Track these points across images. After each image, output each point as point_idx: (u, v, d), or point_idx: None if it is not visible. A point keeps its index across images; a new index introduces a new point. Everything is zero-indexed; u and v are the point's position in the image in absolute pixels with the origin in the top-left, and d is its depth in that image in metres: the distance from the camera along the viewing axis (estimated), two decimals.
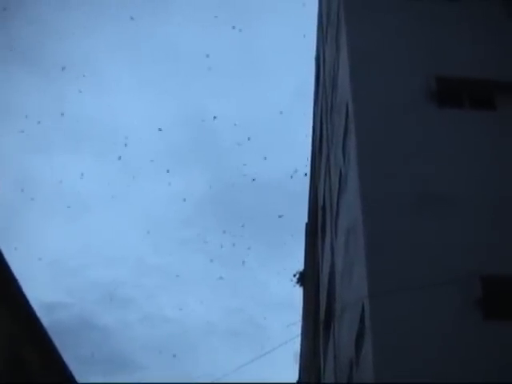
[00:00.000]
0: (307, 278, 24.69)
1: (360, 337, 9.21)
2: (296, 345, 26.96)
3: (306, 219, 25.70)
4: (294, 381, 28.30)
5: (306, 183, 26.35)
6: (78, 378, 20.37)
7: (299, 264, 26.42)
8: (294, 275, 26.21)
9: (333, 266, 14.40)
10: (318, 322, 19.75)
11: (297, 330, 27.07)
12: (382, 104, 10.84)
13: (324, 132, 19.02)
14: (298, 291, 26.62)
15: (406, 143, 10.26)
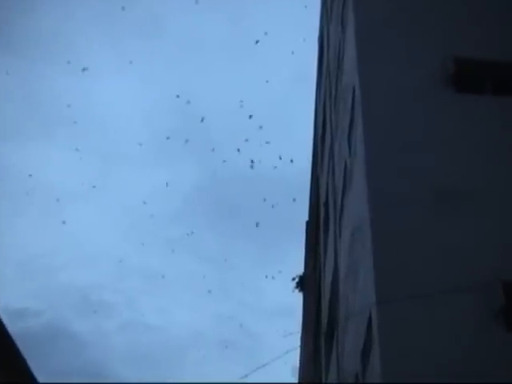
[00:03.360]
0: (308, 283, 24.71)
1: (367, 348, 9.21)
2: (295, 357, 27.04)
3: (306, 216, 25.74)
4: None
5: (306, 176, 26.35)
6: None
7: (298, 267, 26.46)
8: (293, 279, 26.29)
9: (336, 268, 14.39)
10: (319, 331, 19.76)
11: (295, 340, 27.14)
12: (393, 88, 10.83)
13: (327, 120, 19.00)
14: (298, 297, 26.67)
15: (420, 132, 10.25)
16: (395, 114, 10.52)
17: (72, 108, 64.95)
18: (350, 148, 12.38)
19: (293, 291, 26.45)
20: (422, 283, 8.49)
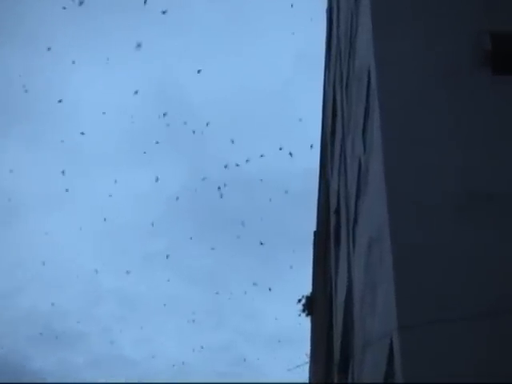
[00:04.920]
0: (316, 305, 24.76)
1: (388, 381, 9.18)
2: None
3: (313, 226, 25.77)
4: None
5: (314, 177, 26.39)
6: None
7: (305, 286, 26.52)
8: (299, 300, 26.38)
9: (350, 287, 14.39)
10: (331, 361, 19.78)
11: (303, 373, 27.19)
12: (417, 71, 10.79)
13: (338, 109, 19.02)
14: (305, 322, 26.73)
15: (449, 123, 10.20)
16: (419, 101, 10.48)
17: (32, 97, 64.89)
18: (364, 143, 12.38)
19: (299, 315, 26.56)
20: (452, 305, 8.43)
